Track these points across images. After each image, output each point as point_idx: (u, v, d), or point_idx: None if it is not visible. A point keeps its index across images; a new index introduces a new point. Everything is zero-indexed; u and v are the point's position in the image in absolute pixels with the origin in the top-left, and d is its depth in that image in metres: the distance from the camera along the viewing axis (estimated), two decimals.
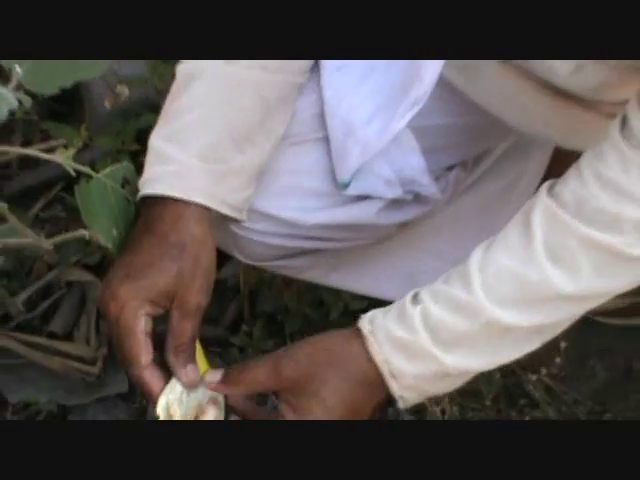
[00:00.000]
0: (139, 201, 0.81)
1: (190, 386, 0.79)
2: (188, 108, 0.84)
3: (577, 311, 0.80)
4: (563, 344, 1.20)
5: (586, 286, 0.81)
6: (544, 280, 0.79)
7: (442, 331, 0.79)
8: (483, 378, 1.15)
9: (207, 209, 0.81)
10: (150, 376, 0.76)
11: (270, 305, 1.19)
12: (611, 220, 0.78)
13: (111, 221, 0.79)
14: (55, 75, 0.81)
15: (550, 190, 0.79)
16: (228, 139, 0.85)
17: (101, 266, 1.11)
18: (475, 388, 1.15)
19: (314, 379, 0.82)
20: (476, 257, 0.80)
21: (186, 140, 0.82)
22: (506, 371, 1.19)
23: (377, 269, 1.08)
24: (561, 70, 0.87)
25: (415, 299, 0.79)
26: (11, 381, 1.09)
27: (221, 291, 1.16)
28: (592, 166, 0.79)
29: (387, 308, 0.80)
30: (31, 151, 0.87)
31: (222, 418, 0.87)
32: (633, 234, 0.78)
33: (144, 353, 0.75)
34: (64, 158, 0.75)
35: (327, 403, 0.83)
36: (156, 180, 0.79)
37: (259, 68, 0.86)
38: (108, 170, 0.78)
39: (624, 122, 0.79)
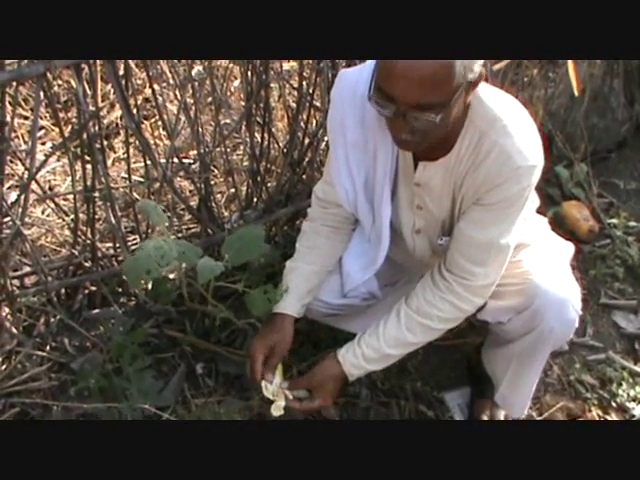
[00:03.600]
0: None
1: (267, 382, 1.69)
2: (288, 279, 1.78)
3: (418, 347, 1.73)
4: (420, 351, 1.99)
5: (419, 340, 1.70)
6: (404, 337, 1.68)
7: (367, 356, 1.69)
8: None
9: (290, 316, 1.75)
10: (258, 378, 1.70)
11: (316, 336, 2.12)
12: (429, 315, 1.65)
13: None
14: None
15: (406, 299, 1.69)
16: (301, 289, 1.78)
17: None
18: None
19: (323, 380, 1.72)
20: (381, 326, 1.69)
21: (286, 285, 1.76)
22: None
23: (359, 323, 1.85)
24: (426, 257, 1.80)
25: (359, 343, 1.70)
26: (222, 364, 2.13)
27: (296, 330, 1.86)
28: (420, 292, 1.67)
29: (348, 346, 1.71)
30: None
31: (283, 402, 1.69)
32: (437, 321, 1.66)
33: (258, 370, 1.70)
34: None
35: (329, 388, 1.71)
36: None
37: (304, 263, 1.80)
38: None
39: (432, 275, 1.68)
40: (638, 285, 2.60)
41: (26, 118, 2.91)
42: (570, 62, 1.96)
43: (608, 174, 3.06)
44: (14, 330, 2.04)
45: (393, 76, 1.35)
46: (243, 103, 2.48)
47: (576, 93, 2.04)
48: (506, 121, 1.51)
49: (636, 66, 3.05)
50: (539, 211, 1.91)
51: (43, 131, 2.89)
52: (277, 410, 1.69)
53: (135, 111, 1.97)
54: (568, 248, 1.93)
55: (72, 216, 2.14)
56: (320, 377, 1.74)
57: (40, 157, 2.42)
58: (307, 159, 2.36)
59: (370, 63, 1.61)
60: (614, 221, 2.77)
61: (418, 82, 1.33)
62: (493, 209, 1.55)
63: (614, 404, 2.20)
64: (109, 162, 2.65)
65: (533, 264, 1.72)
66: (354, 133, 1.64)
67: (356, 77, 1.63)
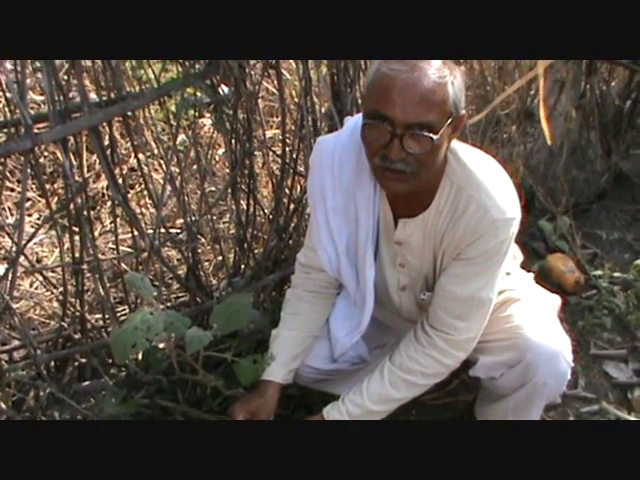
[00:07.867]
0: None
1: None
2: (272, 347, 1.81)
3: (402, 402, 1.72)
4: (414, 411, 2.14)
5: (404, 396, 1.71)
6: (387, 394, 1.68)
7: (351, 413, 1.70)
8: None
9: (274, 382, 1.77)
10: None
11: (308, 400, 2.07)
12: (412, 371, 1.66)
13: None
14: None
15: (390, 357, 1.69)
16: (285, 355, 1.79)
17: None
18: None
19: None
20: (365, 383, 1.70)
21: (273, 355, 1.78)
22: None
23: (350, 387, 1.78)
24: (413, 314, 1.81)
25: (343, 400, 1.71)
26: None
27: (289, 396, 2.04)
28: (403, 349, 1.68)
29: (334, 404, 1.73)
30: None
31: None
32: (420, 377, 1.67)
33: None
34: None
35: None
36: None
37: (288, 329, 1.82)
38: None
39: (415, 332, 1.69)
40: (627, 334, 2.60)
41: (12, 190, 2.93)
42: (542, 113, 2.01)
43: (590, 225, 3.10)
44: (3, 405, 2.02)
45: (391, 95, 1.37)
46: (228, 171, 2.50)
47: (549, 142, 2.09)
48: (481, 176, 1.54)
49: (611, 118, 3.12)
50: (523, 266, 1.93)
51: (29, 202, 2.91)
52: None
53: (121, 181, 2.00)
54: (555, 300, 1.95)
55: (61, 288, 2.15)
56: None
57: (27, 229, 2.43)
58: (293, 225, 2.40)
59: (346, 130, 1.67)
60: (599, 272, 2.79)
61: (417, 99, 1.36)
62: (472, 263, 1.57)
63: None
64: (96, 233, 2.68)
65: (523, 318, 1.73)
66: (334, 197, 1.66)
67: (333, 143, 1.66)
